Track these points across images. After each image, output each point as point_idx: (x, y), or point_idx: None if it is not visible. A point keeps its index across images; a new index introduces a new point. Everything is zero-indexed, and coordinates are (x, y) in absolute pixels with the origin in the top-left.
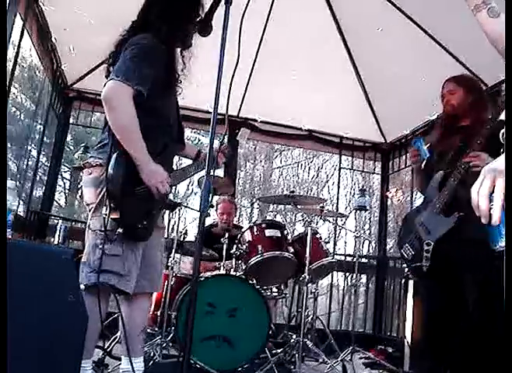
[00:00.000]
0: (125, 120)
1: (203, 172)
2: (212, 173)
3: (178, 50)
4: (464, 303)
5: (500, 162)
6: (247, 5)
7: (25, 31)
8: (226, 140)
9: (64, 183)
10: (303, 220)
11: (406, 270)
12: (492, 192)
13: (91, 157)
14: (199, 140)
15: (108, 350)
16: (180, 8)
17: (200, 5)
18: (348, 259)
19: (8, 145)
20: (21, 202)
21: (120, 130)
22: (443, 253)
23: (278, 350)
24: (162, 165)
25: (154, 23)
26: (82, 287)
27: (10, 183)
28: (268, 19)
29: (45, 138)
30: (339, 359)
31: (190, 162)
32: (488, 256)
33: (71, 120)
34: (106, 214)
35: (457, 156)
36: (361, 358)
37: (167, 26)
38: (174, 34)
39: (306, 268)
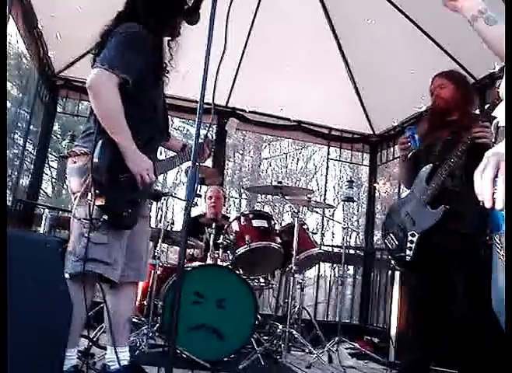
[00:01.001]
0: (110, 107)
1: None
2: (198, 163)
3: (166, 39)
4: (451, 293)
5: (503, 145)
6: None
7: (10, 17)
8: (212, 131)
9: (52, 172)
10: (291, 211)
11: (391, 260)
12: (496, 176)
13: (76, 146)
14: (187, 130)
15: (94, 339)
16: None
17: None
18: (336, 250)
19: None
20: (7, 191)
21: (106, 118)
22: (428, 245)
23: (265, 341)
24: (147, 154)
25: (141, 13)
26: (67, 276)
27: None
28: (257, 9)
29: (32, 127)
30: (325, 349)
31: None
32: (474, 247)
33: (58, 109)
34: (90, 203)
35: (445, 149)
36: (347, 348)
37: (154, 16)
38: (161, 24)
39: (293, 259)
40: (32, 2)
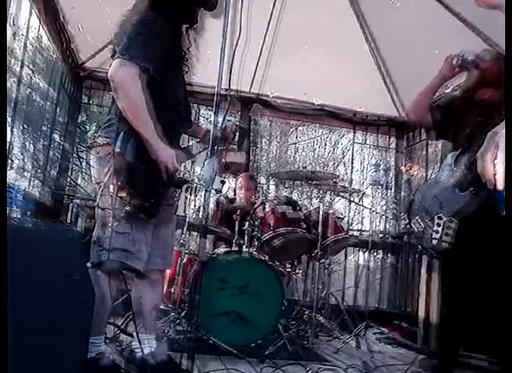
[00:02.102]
0: (132, 97)
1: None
2: (219, 148)
3: (184, 27)
4: (480, 278)
5: (502, 125)
6: None
7: (33, 11)
8: (232, 117)
9: (82, 163)
10: (318, 196)
11: (418, 243)
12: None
13: (99, 136)
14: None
15: (122, 326)
16: None
17: None
18: (364, 234)
19: (25, 126)
20: (37, 182)
21: (128, 108)
22: (457, 228)
23: (292, 326)
24: (170, 143)
25: (158, 1)
26: (92, 264)
27: (19, 164)
28: None
29: (60, 118)
30: (352, 334)
31: None
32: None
33: (85, 100)
34: (113, 193)
35: (474, 132)
36: (375, 333)
37: (171, 4)
38: (179, 12)
39: (319, 244)
40: None
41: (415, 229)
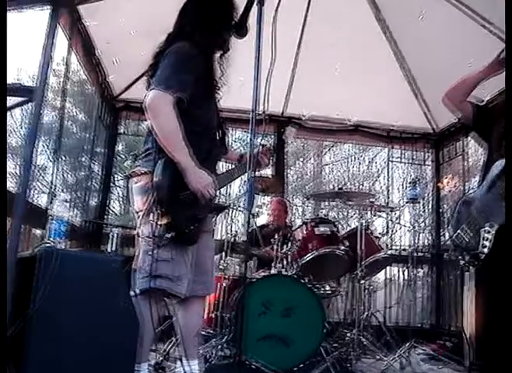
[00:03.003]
0: (168, 126)
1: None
2: (254, 174)
3: (217, 55)
4: None
5: None
6: (279, 3)
7: (71, 49)
8: (271, 141)
9: (120, 191)
10: (356, 216)
11: (460, 258)
12: None
13: (137, 166)
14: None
15: (166, 353)
16: (214, 15)
17: (234, 9)
18: (404, 252)
19: (64, 157)
20: (77, 212)
21: (164, 137)
22: (502, 241)
23: (334, 349)
24: (206, 169)
25: (189, 32)
26: (134, 293)
27: (62, 196)
28: (306, 16)
29: (98, 149)
30: (397, 355)
31: None
32: None
33: (121, 130)
34: (154, 221)
35: None
36: (420, 354)
37: (203, 33)
38: (210, 40)
39: (359, 264)
40: (89, 31)
41: (460, 243)
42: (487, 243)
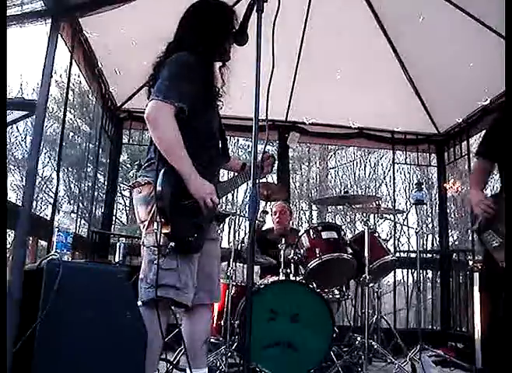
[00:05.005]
0: (169, 136)
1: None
2: (258, 181)
3: (217, 65)
4: None
5: None
6: (278, 10)
7: (73, 60)
8: (275, 147)
9: (125, 201)
10: (361, 219)
11: (471, 262)
12: None
13: (140, 176)
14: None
15: (174, 362)
16: (213, 24)
17: (234, 18)
18: (412, 255)
19: (69, 169)
20: (83, 222)
21: (165, 147)
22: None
23: (344, 353)
24: (208, 178)
25: (189, 41)
26: (140, 303)
27: (67, 207)
28: (306, 21)
29: (103, 159)
30: (407, 358)
31: None
32: None
33: (124, 140)
34: (157, 230)
35: None
36: (430, 356)
37: (203, 43)
38: (211, 50)
39: (366, 268)
40: (90, 43)
41: (488, 242)
42: None
